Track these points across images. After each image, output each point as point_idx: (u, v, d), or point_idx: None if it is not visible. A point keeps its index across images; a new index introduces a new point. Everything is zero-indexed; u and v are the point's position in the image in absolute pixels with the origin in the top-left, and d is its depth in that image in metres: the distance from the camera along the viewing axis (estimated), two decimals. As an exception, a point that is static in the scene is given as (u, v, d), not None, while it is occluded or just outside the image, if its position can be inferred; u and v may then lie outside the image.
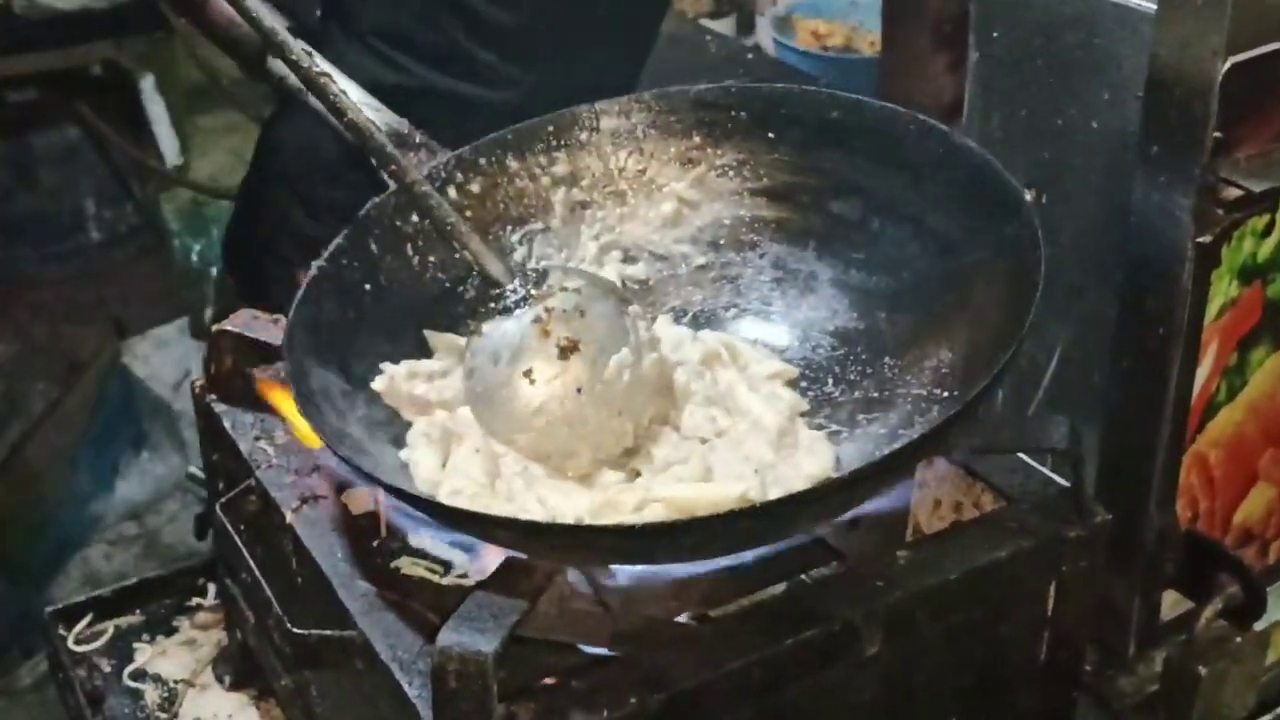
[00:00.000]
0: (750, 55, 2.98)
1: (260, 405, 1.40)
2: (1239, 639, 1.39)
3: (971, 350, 1.27)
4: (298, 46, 1.30)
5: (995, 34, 1.47)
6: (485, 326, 1.29)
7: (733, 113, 1.44)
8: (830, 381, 1.38)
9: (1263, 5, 1.27)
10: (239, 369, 1.41)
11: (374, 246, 1.36)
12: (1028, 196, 1.28)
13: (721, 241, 1.46)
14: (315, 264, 1.32)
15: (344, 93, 1.31)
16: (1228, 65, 1.26)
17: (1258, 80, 1.29)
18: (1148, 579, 1.47)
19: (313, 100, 1.62)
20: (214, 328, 1.41)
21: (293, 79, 1.77)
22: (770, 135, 1.43)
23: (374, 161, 1.32)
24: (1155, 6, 1.31)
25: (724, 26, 3.13)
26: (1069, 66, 1.42)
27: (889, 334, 1.37)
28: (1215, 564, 1.41)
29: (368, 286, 1.35)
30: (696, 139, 1.45)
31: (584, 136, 1.46)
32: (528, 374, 1.24)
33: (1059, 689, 1.33)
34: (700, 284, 1.46)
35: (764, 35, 3.09)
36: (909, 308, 1.36)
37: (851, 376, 1.37)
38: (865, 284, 1.39)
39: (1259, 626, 1.42)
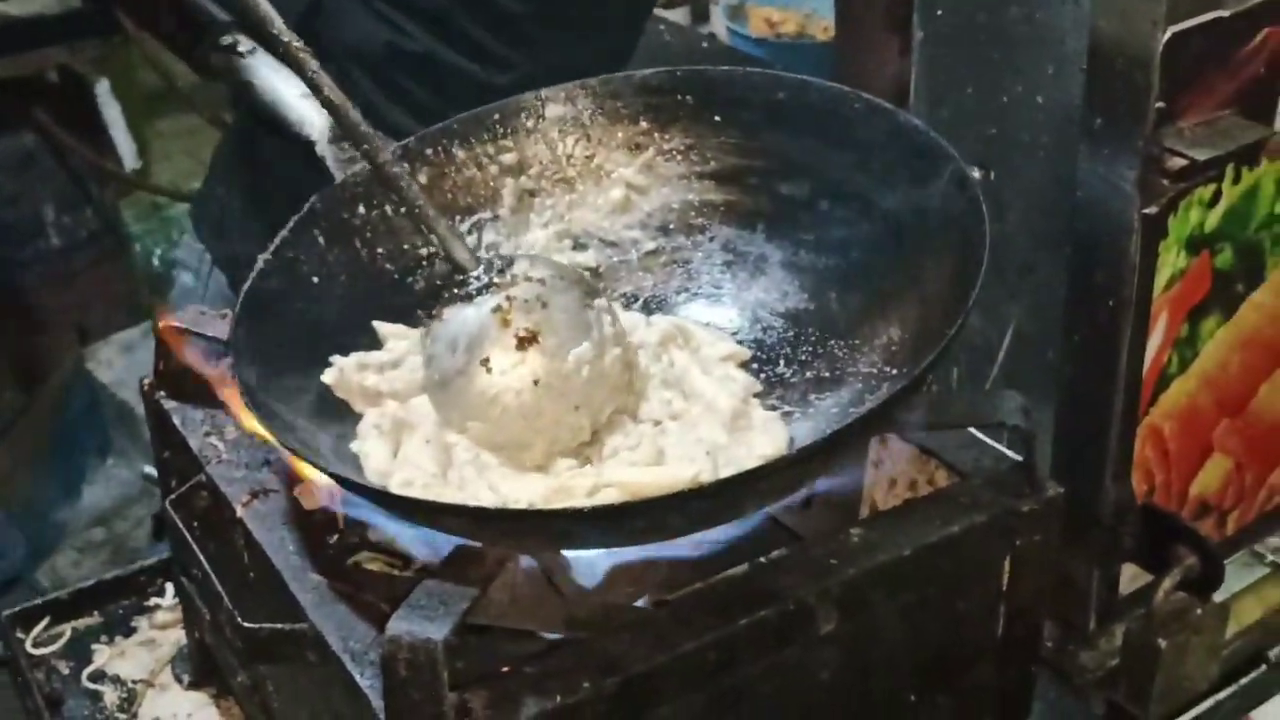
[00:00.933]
0: (705, 44, 2.98)
1: (210, 401, 1.40)
2: (1199, 610, 1.39)
3: (920, 327, 1.26)
4: (279, 21, 1.28)
5: (939, 12, 1.47)
6: (446, 312, 1.27)
7: (678, 97, 1.43)
8: (782, 363, 1.37)
9: (1201, -27, 1.28)
10: (187, 365, 1.40)
11: (320, 239, 1.35)
12: (975, 174, 1.28)
13: (671, 226, 1.45)
14: (261, 257, 1.31)
15: (320, 70, 1.29)
16: (1168, 35, 1.26)
17: (1199, 49, 1.29)
18: (1105, 553, 1.47)
19: (257, 95, 1.62)
20: (161, 324, 1.40)
21: (236, 73, 1.77)
22: (716, 118, 1.42)
23: (348, 138, 1.32)
24: (1096, -22, 1.32)
25: (678, 16, 3.13)
26: (1013, 42, 1.41)
27: (839, 314, 1.36)
28: (1172, 536, 1.41)
29: (315, 279, 1.34)
30: (643, 124, 1.45)
31: (530, 124, 1.45)
32: (484, 363, 1.22)
33: (1017, 663, 1.33)
34: (651, 269, 1.46)
35: (718, 24, 3.09)
36: (858, 287, 1.35)
37: (803, 357, 1.37)
38: (815, 265, 1.39)
39: (1220, 598, 1.42)
